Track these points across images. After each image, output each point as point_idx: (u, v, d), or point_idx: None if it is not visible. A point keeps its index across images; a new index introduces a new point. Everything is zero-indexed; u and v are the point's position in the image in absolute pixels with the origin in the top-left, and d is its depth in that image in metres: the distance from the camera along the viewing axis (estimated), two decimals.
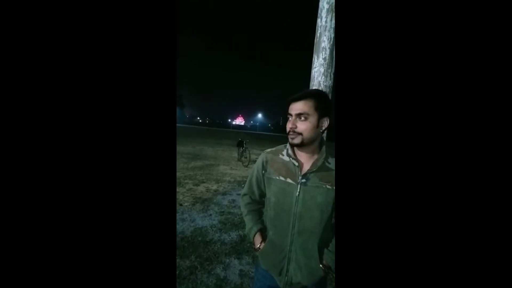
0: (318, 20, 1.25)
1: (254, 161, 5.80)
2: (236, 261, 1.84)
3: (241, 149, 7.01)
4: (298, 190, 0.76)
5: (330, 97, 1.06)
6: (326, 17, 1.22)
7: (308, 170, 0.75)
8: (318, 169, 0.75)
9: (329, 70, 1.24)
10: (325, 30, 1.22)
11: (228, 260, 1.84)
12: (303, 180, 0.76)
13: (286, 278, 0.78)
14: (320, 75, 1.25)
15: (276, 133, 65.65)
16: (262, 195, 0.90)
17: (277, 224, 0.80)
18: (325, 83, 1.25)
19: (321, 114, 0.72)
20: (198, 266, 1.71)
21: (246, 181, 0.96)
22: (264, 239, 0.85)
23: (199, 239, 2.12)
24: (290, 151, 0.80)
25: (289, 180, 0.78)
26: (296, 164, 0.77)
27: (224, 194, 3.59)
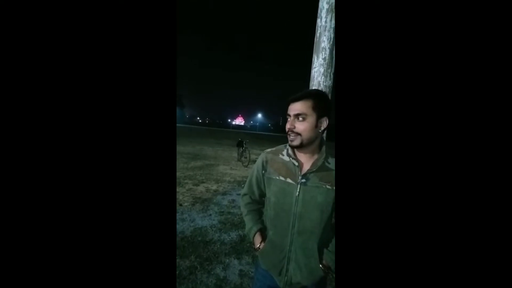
0: (318, 20, 1.25)
1: (254, 161, 5.80)
2: (236, 261, 1.84)
3: (241, 149, 7.01)
4: (298, 190, 0.76)
5: (330, 97, 1.06)
6: (326, 17, 1.22)
7: (308, 170, 0.75)
8: (318, 169, 0.75)
9: (329, 70, 1.24)
10: (325, 30, 1.22)
11: (228, 260, 1.84)
12: (303, 180, 0.76)
13: (286, 278, 0.78)
14: (320, 75, 1.25)
15: (276, 133, 65.67)
16: (262, 195, 0.90)
17: (277, 224, 0.80)
18: (325, 83, 1.25)
19: (319, 114, 0.72)
20: (198, 266, 1.71)
21: (246, 181, 0.96)
22: (264, 239, 0.85)
23: (199, 239, 2.12)
24: (290, 151, 0.80)
25: (289, 180, 0.78)
26: (296, 164, 0.77)
27: (224, 194, 3.59)
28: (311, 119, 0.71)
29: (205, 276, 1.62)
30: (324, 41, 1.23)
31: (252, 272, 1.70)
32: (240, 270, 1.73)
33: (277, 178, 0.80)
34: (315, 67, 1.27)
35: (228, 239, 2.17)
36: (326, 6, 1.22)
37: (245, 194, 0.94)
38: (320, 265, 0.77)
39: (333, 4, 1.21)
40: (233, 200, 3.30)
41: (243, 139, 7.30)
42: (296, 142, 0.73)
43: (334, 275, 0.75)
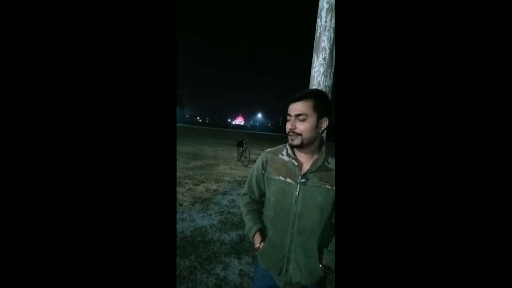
0: (318, 20, 1.25)
1: (254, 161, 5.80)
2: (235, 261, 1.84)
3: (241, 149, 7.01)
4: (298, 190, 0.76)
5: (330, 97, 1.06)
6: (326, 17, 1.22)
7: (308, 170, 0.75)
8: (317, 169, 0.75)
9: (329, 70, 1.24)
10: (325, 30, 1.22)
11: (227, 260, 1.84)
12: (303, 180, 0.76)
13: (286, 277, 0.78)
14: (320, 75, 1.25)
15: (276, 133, 65.69)
16: (262, 195, 0.90)
17: (276, 223, 0.80)
18: (325, 83, 1.25)
19: (320, 114, 0.72)
20: (198, 266, 1.72)
21: (246, 181, 0.96)
22: (263, 238, 0.85)
23: (199, 239, 2.12)
24: (289, 151, 0.80)
25: (288, 180, 0.78)
26: (296, 164, 0.77)
27: (224, 194, 3.59)
28: (312, 119, 0.71)
29: (205, 276, 1.62)
30: (324, 40, 1.23)
31: (252, 272, 1.70)
32: (240, 270, 1.73)
33: (277, 178, 0.80)
34: (315, 67, 1.27)
35: (228, 239, 2.17)
36: (326, 6, 1.22)
37: (245, 194, 0.94)
38: (320, 265, 0.77)
39: (333, 3, 1.21)
40: (233, 200, 3.30)
41: (243, 139, 7.29)
42: (297, 142, 0.73)
43: (334, 275, 0.75)
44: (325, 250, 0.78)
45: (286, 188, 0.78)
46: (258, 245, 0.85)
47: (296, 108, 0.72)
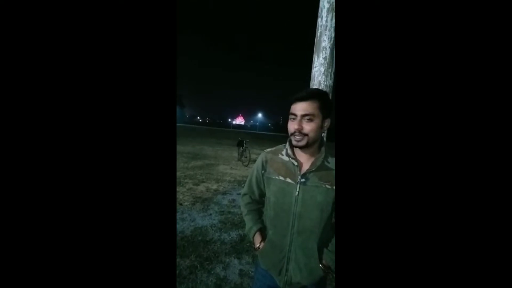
0: (319, 19, 1.25)
1: (254, 161, 5.80)
2: (236, 261, 1.84)
3: (241, 149, 7.01)
4: (298, 190, 0.76)
5: (330, 96, 1.06)
6: (327, 16, 1.22)
7: (308, 169, 0.75)
8: (317, 168, 0.75)
9: (330, 70, 1.24)
10: (325, 30, 1.22)
11: (228, 260, 1.84)
12: (303, 180, 0.76)
13: (286, 277, 0.78)
14: (320, 74, 1.25)
15: (276, 133, 65.68)
16: (262, 194, 0.90)
17: (276, 223, 0.80)
18: (325, 83, 1.25)
19: (324, 115, 0.72)
20: (198, 266, 1.72)
21: (246, 180, 0.96)
22: (263, 238, 0.85)
23: (199, 238, 2.12)
24: (289, 151, 0.80)
25: (288, 180, 0.78)
26: (296, 163, 0.77)
27: (224, 193, 3.59)
28: (318, 119, 0.70)
29: (205, 276, 1.63)
30: (324, 40, 1.23)
31: (252, 271, 1.70)
32: (240, 270, 1.73)
33: (277, 178, 0.80)
34: (315, 67, 1.27)
35: (228, 239, 2.17)
36: (327, 5, 1.22)
37: (245, 194, 0.94)
38: (320, 265, 0.77)
39: (334, 3, 1.20)
40: (233, 200, 3.30)
41: (243, 139, 7.29)
42: (303, 143, 0.71)
43: (334, 275, 0.75)
44: (325, 250, 0.78)
45: (285, 188, 0.78)
46: (258, 245, 0.85)
47: (303, 108, 0.70)
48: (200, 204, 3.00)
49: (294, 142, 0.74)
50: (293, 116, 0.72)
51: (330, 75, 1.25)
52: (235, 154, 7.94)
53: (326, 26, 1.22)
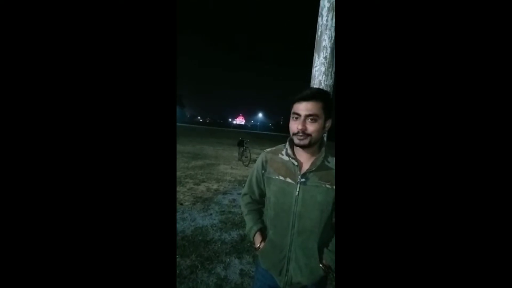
0: (319, 18, 1.25)
1: (255, 161, 5.79)
2: (236, 261, 1.84)
3: (242, 149, 7.01)
4: (298, 190, 0.76)
5: (331, 96, 1.06)
6: (327, 16, 1.21)
7: (308, 169, 0.75)
8: (317, 168, 0.75)
9: (330, 69, 1.24)
10: (326, 29, 1.22)
11: (228, 260, 1.84)
12: (303, 180, 0.76)
13: (286, 277, 0.78)
14: (320, 74, 1.25)
15: (277, 133, 65.67)
16: (262, 194, 0.90)
17: (276, 223, 0.80)
18: (326, 82, 1.24)
19: (327, 116, 0.72)
20: (199, 265, 1.72)
21: (246, 180, 0.96)
22: (264, 238, 0.85)
23: (200, 238, 2.12)
24: (289, 151, 0.80)
25: (288, 180, 0.78)
26: (296, 163, 0.77)
27: (224, 193, 3.59)
28: (321, 120, 0.70)
29: (205, 276, 1.63)
30: (325, 39, 1.22)
31: (252, 271, 1.71)
32: (241, 270, 1.73)
33: (277, 177, 0.80)
34: (316, 66, 1.27)
35: (229, 239, 2.17)
36: (327, 5, 1.22)
37: (245, 194, 0.94)
38: (320, 265, 0.77)
39: (334, 2, 1.20)
40: (234, 200, 3.30)
41: (244, 139, 7.30)
42: (305, 143, 0.71)
43: (334, 275, 0.75)
44: (325, 249, 0.78)
45: (286, 188, 0.78)
46: (258, 245, 0.85)
47: (307, 108, 0.69)
48: (201, 204, 3.01)
49: (296, 141, 0.73)
50: (296, 116, 0.71)
51: (331, 75, 1.25)
52: (236, 154, 7.95)
53: (327, 25, 1.22)
